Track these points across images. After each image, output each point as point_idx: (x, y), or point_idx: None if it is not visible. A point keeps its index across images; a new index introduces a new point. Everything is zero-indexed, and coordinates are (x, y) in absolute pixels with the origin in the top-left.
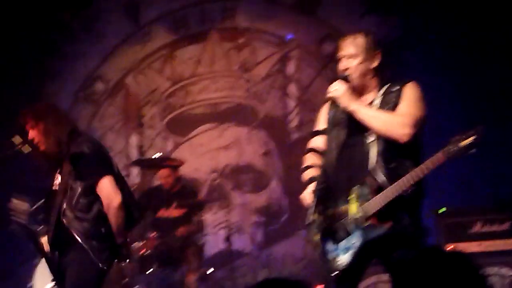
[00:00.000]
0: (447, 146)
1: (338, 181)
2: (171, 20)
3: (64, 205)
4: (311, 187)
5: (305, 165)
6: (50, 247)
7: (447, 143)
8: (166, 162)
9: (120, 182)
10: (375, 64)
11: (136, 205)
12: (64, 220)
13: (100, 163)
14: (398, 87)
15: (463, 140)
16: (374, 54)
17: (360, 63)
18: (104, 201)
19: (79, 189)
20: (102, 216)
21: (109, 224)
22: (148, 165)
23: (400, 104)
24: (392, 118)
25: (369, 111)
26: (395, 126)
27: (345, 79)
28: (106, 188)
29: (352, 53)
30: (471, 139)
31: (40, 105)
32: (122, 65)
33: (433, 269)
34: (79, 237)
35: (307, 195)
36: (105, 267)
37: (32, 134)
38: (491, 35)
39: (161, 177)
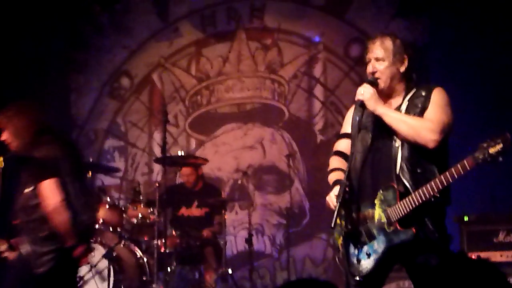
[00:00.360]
0: (475, 152)
1: (363, 185)
2: (199, 18)
3: (17, 208)
4: (336, 190)
5: (330, 167)
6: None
7: (475, 150)
8: (189, 160)
9: (72, 184)
10: (402, 68)
11: (86, 208)
12: (17, 223)
13: (43, 166)
14: (425, 92)
15: (491, 147)
16: (402, 58)
17: (388, 66)
18: (43, 204)
19: (28, 192)
20: (44, 220)
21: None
22: (170, 163)
23: (428, 110)
24: (421, 123)
25: (397, 115)
26: (423, 132)
27: (373, 82)
28: (44, 190)
29: (380, 56)
30: (499, 146)
31: (13, 105)
32: (149, 61)
33: (458, 276)
34: (25, 240)
35: (332, 198)
36: (43, 272)
37: (4, 135)
38: None
39: (183, 175)
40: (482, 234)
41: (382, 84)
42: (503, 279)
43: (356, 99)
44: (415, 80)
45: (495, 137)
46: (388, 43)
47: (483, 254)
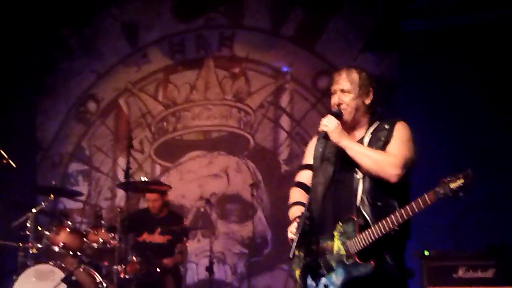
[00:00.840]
0: (436, 187)
1: (324, 217)
2: (168, 44)
3: None
4: (295, 225)
5: (291, 200)
6: None
7: (436, 185)
8: (152, 186)
9: None
10: (367, 101)
11: None
12: None
13: None
14: (388, 126)
15: (452, 183)
16: (367, 91)
17: (353, 98)
18: None
19: None
20: None
21: None
22: (133, 188)
23: (391, 144)
24: (384, 157)
25: (360, 149)
26: (386, 166)
27: (337, 114)
28: None
29: (346, 88)
30: (460, 182)
31: None
32: (116, 85)
33: None
34: None
35: (292, 229)
36: None
37: None
38: (486, 78)
39: (148, 200)
40: (442, 270)
41: (346, 115)
42: None
43: (319, 130)
44: (380, 113)
45: (457, 173)
46: (355, 75)
47: None
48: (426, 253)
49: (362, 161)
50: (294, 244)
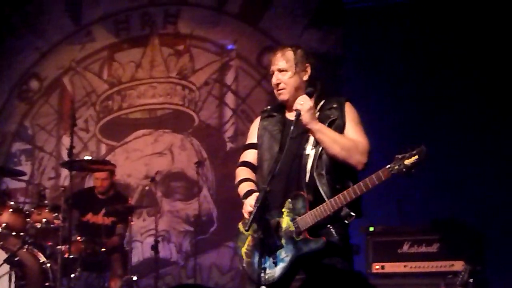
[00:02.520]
0: (390, 164)
1: (271, 194)
2: (112, 22)
3: None
4: (254, 197)
5: (238, 178)
6: None
7: (390, 161)
8: (98, 164)
9: None
10: (305, 77)
11: None
12: None
13: None
14: (336, 104)
15: (406, 159)
16: (304, 68)
17: (291, 76)
18: None
19: None
20: None
21: None
22: (77, 167)
23: (349, 129)
24: (352, 145)
25: (332, 134)
26: (355, 154)
27: (310, 94)
28: None
29: (282, 67)
30: (414, 158)
31: None
32: (60, 64)
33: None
34: None
35: (251, 203)
36: None
37: None
38: (428, 53)
39: (97, 179)
40: (387, 245)
41: (287, 94)
42: None
43: (294, 108)
44: (319, 88)
45: (410, 149)
46: (289, 54)
47: (388, 265)
48: (371, 229)
49: (331, 146)
50: (252, 216)
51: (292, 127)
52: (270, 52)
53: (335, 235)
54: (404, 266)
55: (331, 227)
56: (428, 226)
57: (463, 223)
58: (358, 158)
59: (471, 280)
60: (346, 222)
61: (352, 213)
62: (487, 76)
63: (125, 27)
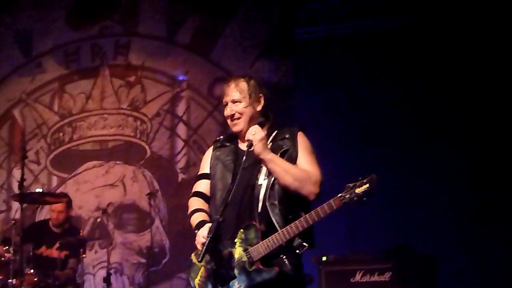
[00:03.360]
0: (341, 193)
1: (224, 225)
2: (63, 54)
3: None
4: (206, 227)
5: (191, 208)
6: None
7: (341, 190)
8: (53, 197)
9: None
10: (259, 107)
11: None
12: None
13: None
14: (288, 135)
15: (357, 188)
16: (257, 98)
17: (245, 107)
18: None
19: None
20: None
21: None
22: (28, 200)
23: (301, 158)
24: (305, 176)
25: (284, 164)
26: (307, 185)
27: (262, 124)
28: None
29: (236, 98)
30: (365, 187)
31: None
32: (10, 96)
33: None
34: None
35: (204, 234)
36: None
37: None
38: (377, 81)
39: (53, 211)
40: (340, 274)
41: (242, 124)
42: None
43: (246, 138)
44: (272, 119)
45: (361, 178)
46: (243, 84)
47: None
48: (324, 258)
49: (283, 177)
50: (204, 248)
51: (244, 157)
52: (223, 83)
53: (288, 265)
54: None
55: (284, 257)
56: (380, 254)
57: (415, 251)
58: (310, 189)
59: None
60: (298, 252)
61: (305, 243)
62: (431, 104)
63: (75, 58)
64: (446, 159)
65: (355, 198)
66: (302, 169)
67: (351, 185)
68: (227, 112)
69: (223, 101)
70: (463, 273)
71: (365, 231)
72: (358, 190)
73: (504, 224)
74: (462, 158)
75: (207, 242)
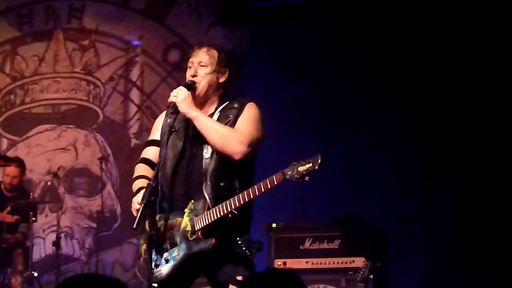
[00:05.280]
0: (285, 169)
1: (174, 193)
2: (15, 15)
3: None
4: (140, 194)
5: (135, 174)
6: None
7: (286, 166)
8: (1, 160)
9: None
10: (222, 79)
11: None
12: None
13: None
14: (237, 105)
15: (301, 166)
16: (223, 70)
17: (209, 73)
18: None
19: None
20: None
21: None
22: None
23: (239, 122)
24: (230, 133)
25: (209, 121)
26: (232, 142)
27: (190, 85)
28: None
29: (204, 61)
30: (308, 166)
31: None
32: None
33: None
34: None
35: (138, 200)
36: None
37: None
38: (330, 49)
39: (7, 175)
40: (289, 242)
41: (200, 88)
42: None
43: (168, 101)
44: (230, 95)
45: (307, 157)
46: (214, 52)
47: (290, 261)
48: (274, 225)
49: (208, 134)
50: (138, 214)
51: (171, 121)
52: (194, 45)
53: (233, 239)
54: (306, 262)
55: (230, 230)
56: (329, 222)
57: (364, 220)
58: (235, 148)
59: (371, 276)
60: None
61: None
62: (387, 72)
63: (28, 21)
64: (394, 129)
65: (297, 176)
66: (229, 128)
67: (295, 162)
68: (191, 72)
69: (189, 61)
70: (410, 242)
71: (316, 200)
72: (300, 169)
73: (450, 195)
74: (410, 126)
75: (140, 210)
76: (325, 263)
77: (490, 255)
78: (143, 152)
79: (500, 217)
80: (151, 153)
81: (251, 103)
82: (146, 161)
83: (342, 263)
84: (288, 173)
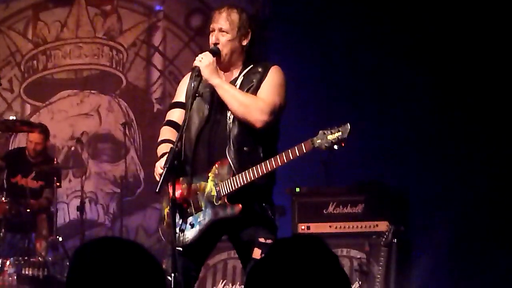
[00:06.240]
0: (314, 137)
1: (198, 158)
2: None
3: None
4: (164, 160)
5: (160, 138)
6: None
7: (314, 135)
8: (25, 126)
9: None
10: (245, 42)
11: None
12: None
13: None
14: (261, 69)
15: (330, 135)
16: (245, 33)
17: (231, 39)
18: None
19: None
20: None
21: None
22: (3, 127)
23: (262, 88)
24: (252, 101)
25: (231, 89)
26: (254, 111)
27: (215, 51)
28: None
29: (224, 27)
30: (338, 134)
31: None
32: None
33: (284, 254)
34: None
35: (159, 168)
36: None
37: None
38: (355, 21)
39: (31, 141)
40: (313, 206)
41: (223, 55)
42: (328, 257)
43: (193, 65)
44: (255, 56)
45: (336, 126)
46: (235, 16)
47: (313, 225)
48: (297, 189)
49: (230, 102)
50: (161, 179)
51: (196, 84)
52: (214, 10)
53: (258, 204)
54: (330, 227)
55: (254, 196)
56: (353, 187)
57: (388, 186)
58: (256, 116)
59: (394, 240)
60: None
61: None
62: (419, 51)
63: None
64: (422, 100)
65: (326, 145)
66: (251, 96)
67: (324, 131)
68: (212, 39)
69: (210, 27)
70: (434, 206)
71: (340, 165)
72: (330, 137)
73: (472, 158)
74: (436, 97)
75: (164, 173)
76: (348, 227)
77: None
78: (168, 114)
79: None
80: (176, 115)
81: (275, 66)
82: (171, 123)
83: (365, 227)
84: (318, 141)
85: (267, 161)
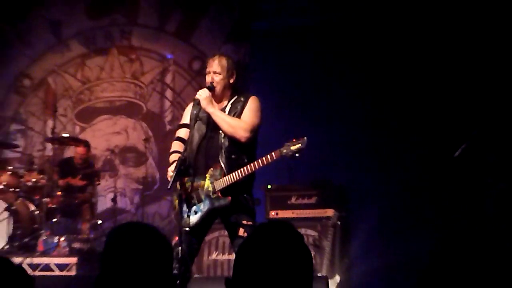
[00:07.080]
0: (281, 148)
1: (198, 164)
2: (84, 37)
3: None
4: (173, 166)
5: (171, 150)
6: None
7: (281, 146)
8: (74, 141)
9: None
10: (232, 80)
11: None
12: None
13: None
14: (243, 98)
15: (292, 146)
16: (232, 73)
17: (222, 79)
18: None
19: None
20: None
21: None
22: (59, 142)
23: (244, 113)
24: (237, 123)
25: (221, 115)
26: (239, 130)
27: (210, 88)
28: None
29: (218, 71)
30: (298, 145)
31: None
32: (45, 67)
33: (265, 235)
34: None
35: (170, 171)
36: None
37: None
38: (315, 65)
39: (77, 153)
40: (280, 198)
41: (217, 91)
42: (300, 237)
43: (195, 97)
44: (239, 88)
45: (296, 139)
46: (224, 62)
47: (281, 212)
48: (269, 186)
49: (221, 124)
50: (172, 179)
51: (197, 111)
52: (208, 58)
53: (243, 195)
54: (292, 213)
55: (240, 189)
56: (309, 184)
57: (334, 183)
58: (241, 133)
59: (338, 223)
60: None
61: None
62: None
63: (92, 41)
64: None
65: (290, 153)
66: (236, 119)
67: (288, 143)
68: (208, 79)
69: (207, 70)
70: (367, 196)
71: (300, 168)
72: (293, 148)
73: (396, 163)
74: (366, 119)
75: (173, 175)
76: (306, 213)
77: (427, 209)
78: (177, 132)
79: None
80: (182, 133)
81: (253, 96)
82: (179, 139)
83: (318, 213)
84: (284, 151)
85: (249, 165)
